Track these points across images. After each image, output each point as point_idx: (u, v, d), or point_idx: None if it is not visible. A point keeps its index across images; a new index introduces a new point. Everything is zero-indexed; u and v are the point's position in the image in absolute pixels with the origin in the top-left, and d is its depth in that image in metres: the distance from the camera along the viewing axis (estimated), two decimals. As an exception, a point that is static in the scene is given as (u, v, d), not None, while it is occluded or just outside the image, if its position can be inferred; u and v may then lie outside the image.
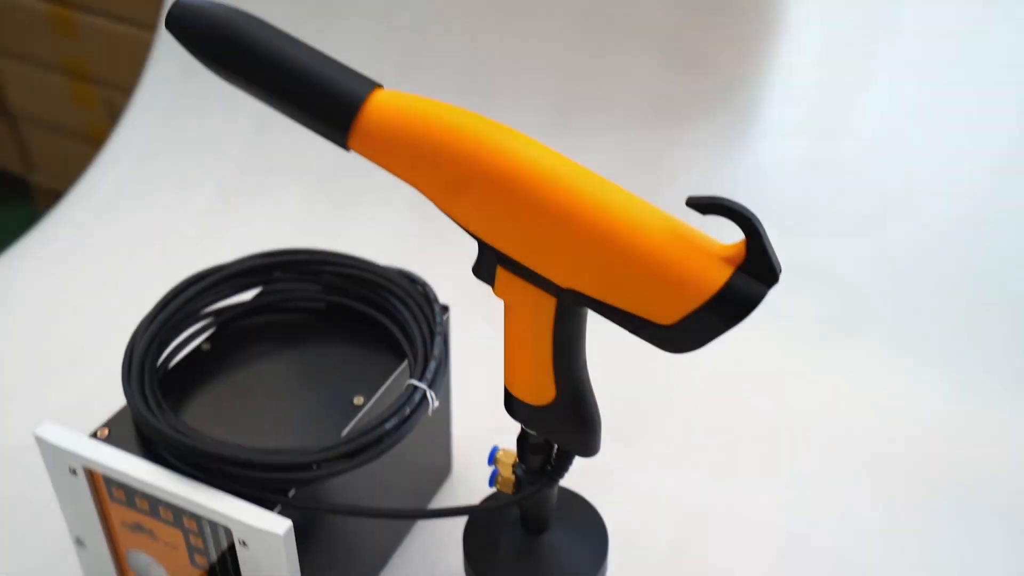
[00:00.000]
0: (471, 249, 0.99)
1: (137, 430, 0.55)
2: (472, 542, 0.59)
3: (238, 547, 0.51)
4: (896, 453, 0.79)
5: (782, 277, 0.93)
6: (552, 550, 0.58)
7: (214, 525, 0.52)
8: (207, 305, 0.62)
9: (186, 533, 0.54)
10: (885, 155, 0.97)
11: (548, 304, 0.46)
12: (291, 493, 0.52)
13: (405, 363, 0.61)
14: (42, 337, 0.88)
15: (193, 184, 1.08)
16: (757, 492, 0.75)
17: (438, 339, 0.60)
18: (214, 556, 0.54)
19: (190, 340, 0.62)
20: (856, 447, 0.79)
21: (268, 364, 0.61)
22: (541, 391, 0.50)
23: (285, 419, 0.57)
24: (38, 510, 0.71)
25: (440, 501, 0.74)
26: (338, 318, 0.65)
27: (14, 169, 1.94)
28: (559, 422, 0.51)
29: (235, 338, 0.63)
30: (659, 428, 0.81)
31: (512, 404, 0.52)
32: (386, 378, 0.60)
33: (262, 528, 0.49)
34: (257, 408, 0.58)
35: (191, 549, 0.54)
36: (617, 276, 0.43)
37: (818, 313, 0.91)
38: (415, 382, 0.57)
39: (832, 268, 0.94)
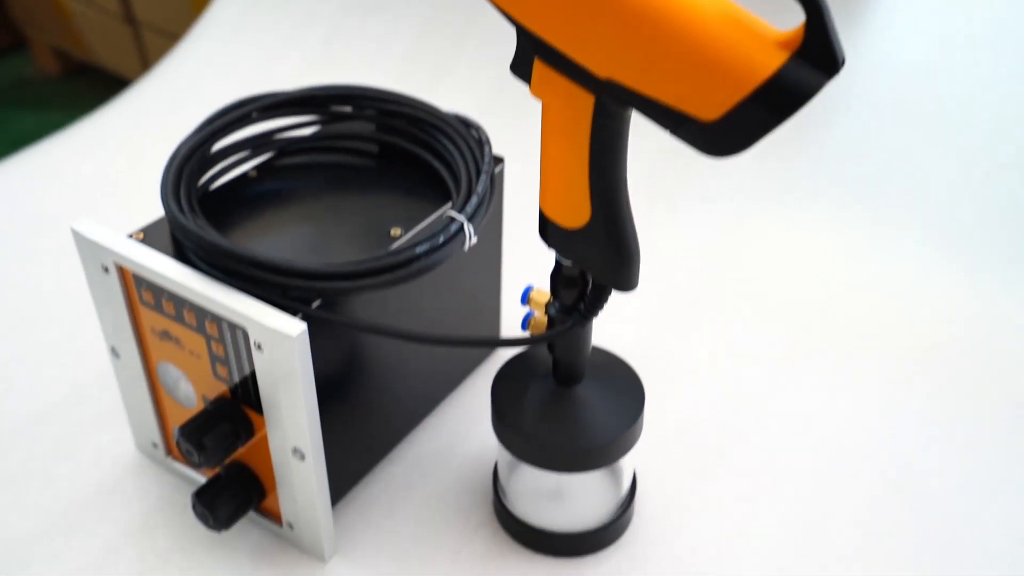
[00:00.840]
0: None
1: (172, 237, 0.55)
2: (501, 392, 0.56)
3: (254, 352, 0.50)
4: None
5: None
6: (583, 402, 0.55)
7: (233, 329, 0.51)
8: (258, 124, 0.61)
9: (208, 340, 0.53)
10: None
11: (586, 104, 0.43)
12: (315, 304, 0.51)
13: (449, 203, 0.59)
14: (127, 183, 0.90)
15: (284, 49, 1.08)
16: (807, 385, 0.70)
17: (483, 176, 0.57)
18: (234, 366, 0.53)
19: (238, 164, 0.61)
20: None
21: (311, 196, 0.60)
22: (576, 210, 0.46)
23: (319, 243, 0.55)
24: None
25: (479, 375, 0.72)
26: (389, 160, 0.63)
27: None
28: (594, 247, 0.47)
29: (283, 170, 0.62)
30: (713, 316, 0.77)
31: (546, 228, 0.49)
32: (428, 215, 0.58)
33: (276, 328, 0.48)
34: (292, 232, 0.56)
35: (213, 358, 0.54)
36: (660, 60, 0.39)
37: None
38: (453, 213, 0.54)
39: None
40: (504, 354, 0.73)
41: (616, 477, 0.59)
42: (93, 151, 0.97)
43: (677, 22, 0.38)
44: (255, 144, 0.62)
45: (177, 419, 0.60)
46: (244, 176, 0.61)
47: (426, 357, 0.64)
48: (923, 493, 0.63)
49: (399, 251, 0.52)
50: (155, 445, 0.63)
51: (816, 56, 0.37)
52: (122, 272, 0.54)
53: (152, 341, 0.57)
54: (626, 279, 0.48)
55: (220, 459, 0.54)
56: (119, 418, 0.67)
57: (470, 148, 0.59)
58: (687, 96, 0.39)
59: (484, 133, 0.61)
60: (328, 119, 0.64)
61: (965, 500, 0.63)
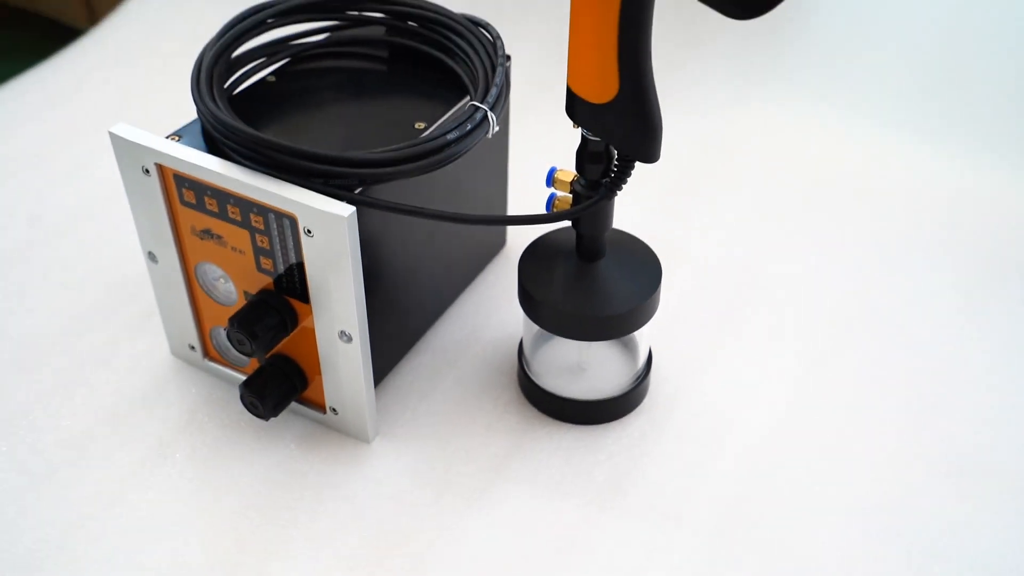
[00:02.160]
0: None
1: (206, 137, 0.57)
2: (527, 268, 0.60)
3: (303, 239, 0.53)
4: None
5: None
6: (605, 275, 0.59)
7: (280, 219, 0.54)
8: (273, 31, 0.63)
9: (253, 233, 0.55)
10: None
11: (616, -22, 0.46)
12: (358, 191, 0.54)
13: (467, 97, 0.62)
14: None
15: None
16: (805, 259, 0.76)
17: (499, 69, 0.60)
18: (279, 258, 0.55)
19: (256, 71, 0.63)
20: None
21: (332, 97, 0.62)
22: (605, 84, 0.50)
23: (349, 137, 0.58)
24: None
25: (495, 267, 0.75)
26: (404, 62, 0.66)
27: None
28: (621, 121, 0.51)
29: (301, 74, 0.64)
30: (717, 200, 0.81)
31: (574, 104, 0.52)
32: (446, 110, 0.61)
33: (328, 211, 0.51)
34: (320, 129, 0.59)
35: (257, 252, 0.56)
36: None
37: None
38: (476, 103, 0.57)
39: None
40: (520, 243, 0.76)
41: (633, 349, 0.64)
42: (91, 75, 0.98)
43: None
44: (271, 50, 0.64)
45: (215, 320, 0.63)
46: (263, 81, 0.63)
47: (448, 247, 0.68)
48: (923, 345, 0.69)
49: (432, 138, 0.55)
50: (192, 348, 0.65)
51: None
52: (163, 173, 0.56)
53: (191, 242, 0.59)
54: (651, 151, 0.52)
55: (269, 347, 0.57)
56: (152, 324, 0.69)
57: (483, 45, 0.62)
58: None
59: (495, 30, 0.63)
60: (342, 24, 0.66)
61: (963, 356, 0.69)
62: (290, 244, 0.55)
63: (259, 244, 0.56)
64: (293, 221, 0.53)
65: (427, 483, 0.59)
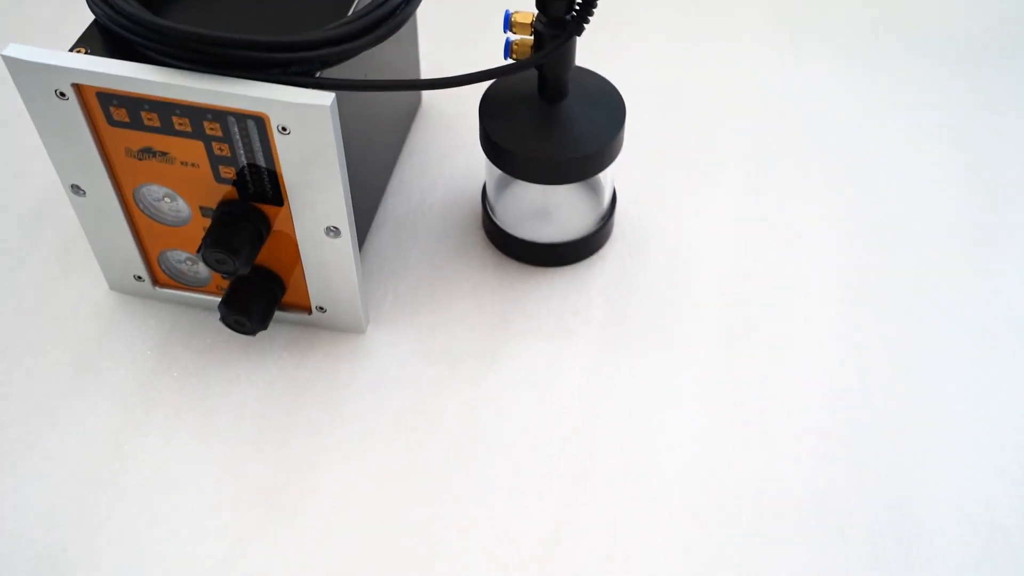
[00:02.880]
0: None
1: (117, 44, 0.49)
2: (489, 113, 0.58)
3: (277, 137, 0.48)
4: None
5: None
6: (570, 114, 0.58)
7: (243, 120, 0.48)
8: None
9: (208, 142, 0.50)
10: None
11: None
12: (318, 74, 0.49)
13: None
14: None
15: None
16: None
17: (421, -89, 0.55)
18: (243, 161, 0.50)
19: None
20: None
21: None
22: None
23: (280, 15, 0.52)
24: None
25: (417, 131, 0.72)
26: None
27: None
28: (589, -50, 0.48)
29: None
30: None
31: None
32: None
33: (307, 103, 0.46)
34: (243, 13, 0.52)
35: (214, 161, 0.51)
36: None
37: None
38: (411, -45, 0.53)
39: None
40: (436, 102, 0.73)
41: (598, 191, 0.63)
42: None
43: None
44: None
45: (162, 243, 0.57)
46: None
47: (379, 119, 0.64)
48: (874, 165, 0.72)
49: (380, 3, 0.50)
50: (139, 278, 0.59)
51: None
52: (81, 93, 0.49)
53: (127, 165, 0.52)
54: (621, -24, 0.50)
55: (252, 259, 0.53)
56: (76, 261, 0.62)
57: None
58: None
59: None
60: None
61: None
62: (257, 146, 0.50)
63: (216, 153, 0.50)
64: (261, 121, 0.48)
65: (438, 358, 0.58)
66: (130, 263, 0.58)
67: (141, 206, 0.55)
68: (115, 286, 0.61)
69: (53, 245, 0.63)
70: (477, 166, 0.69)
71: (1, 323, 0.59)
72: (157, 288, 0.60)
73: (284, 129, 0.48)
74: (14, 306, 0.60)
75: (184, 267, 0.59)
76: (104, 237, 0.57)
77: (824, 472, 0.54)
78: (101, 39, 0.50)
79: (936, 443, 0.55)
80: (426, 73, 0.72)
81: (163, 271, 0.59)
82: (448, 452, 0.54)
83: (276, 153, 0.49)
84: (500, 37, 0.61)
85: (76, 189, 0.54)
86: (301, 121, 0.47)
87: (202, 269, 0.59)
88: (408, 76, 0.68)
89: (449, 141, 0.71)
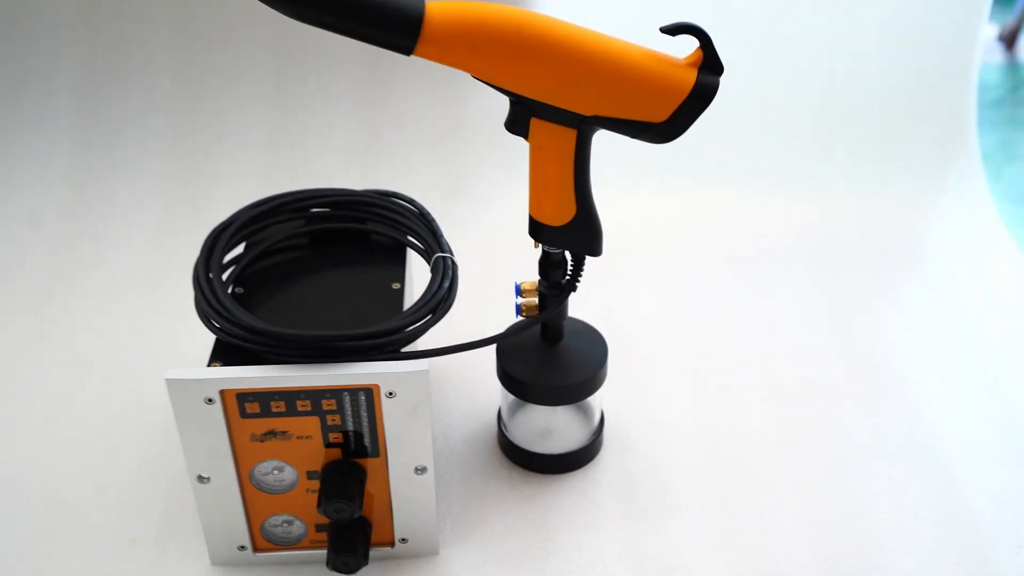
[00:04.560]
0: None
1: (241, 353, 0.64)
2: (504, 354, 0.76)
3: (384, 402, 0.63)
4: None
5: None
6: (566, 352, 0.76)
7: (354, 394, 0.63)
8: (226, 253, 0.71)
9: (323, 416, 0.64)
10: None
11: (570, 137, 0.64)
12: (403, 349, 0.65)
13: (407, 250, 0.75)
14: None
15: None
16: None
17: (434, 223, 0.74)
18: (351, 426, 0.65)
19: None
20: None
21: (303, 287, 0.71)
22: (564, 211, 0.68)
23: (350, 313, 0.69)
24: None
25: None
26: (326, 243, 0.76)
27: None
28: (578, 234, 0.69)
29: (256, 280, 0.72)
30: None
31: (539, 230, 0.69)
32: (401, 266, 0.73)
33: (409, 371, 0.62)
34: (320, 315, 0.68)
35: (326, 430, 0.65)
36: (624, 94, 0.62)
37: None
38: (440, 254, 0.71)
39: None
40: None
41: (589, 410, 0.81)
42: None
43: (636, 68, 0.62)
44: (226, 266, 0.71)
45: (266, 511, 0.69)
46: (234, 294, 0.70)
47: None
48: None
49: (435, 293, 0.68)
50: (242, 548, 0.70)
51: (712, 67, 0.63)
52: (224, 397, 0.62)
53: (248, 448, 0.65)
54: (599, 248, 0.71)
55: (362, 503, 0.66)
56: (177, 544, 0.72)
57: (403, 207, 0.76)
58: (647, 111, 0.63)
59: (403, 196, 0.77)
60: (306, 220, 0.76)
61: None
62: (363, 412, 0.64)
63: (329, 423, 0.65)
64: (370, 391, 0.63)
65: (502, 559, 0.72)
66: (236, 535, 0.69)
67: (253, 481, 0.67)
68: (217, 560, 0.71)
69: (153, 529, 0.73)
70: (487, 400, 0.85)
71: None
72: (256, 554, 0.71)
73: (391, 394, 0.63)
74: (129, 596, 0.69)
75: (279, 530, 0.70)
76: (216, 516, 0.68)
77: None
78: (224, 350, 0.64)
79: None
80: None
81: (263, 537, 0.70)
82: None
83: (380, 414, 0.64)
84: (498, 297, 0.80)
85: (201, 479, 0.66)
86: (405, 385, 0.63)
87: (295, 529, 0.70)
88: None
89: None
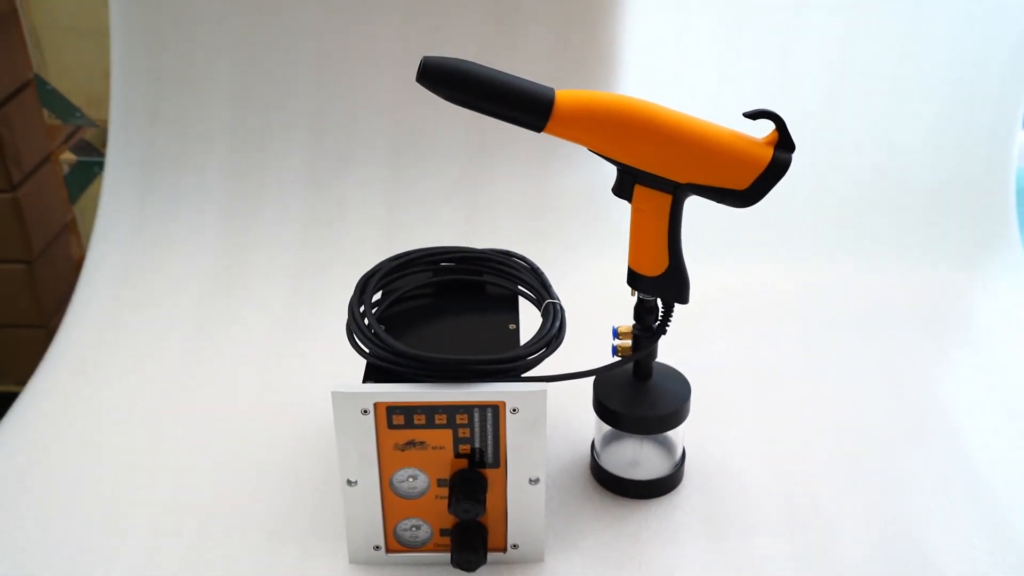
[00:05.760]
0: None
1: (388, 374, 0.76)
2: (599, 387, 0.87)
3: (508, 417, 0.75)
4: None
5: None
6: (655, 387, 0.88)
7: (483, 410, 0.75)
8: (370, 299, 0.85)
9: (455, 429, 0.76)
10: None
11: (666, 201, 0.78)
12: (522, 375, 0.77)
13: (519, 298, 0.88)
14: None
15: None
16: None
17: (544, 275, 0.88)
18: (477, 439, 0.77)
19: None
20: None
21: (432, 326, 0.84)
22: (659, 264, 0.80)
23: (479, 347, 0.81)
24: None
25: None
26: (450, 293, 0.90)
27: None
28: (670, 283, 0.81)
29: (393, 320, 0.85)
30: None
31: (637, 280, 0.82)
32: (516, 312, 0.86)
33: (532, 391, 0.74)
34: (455, 348, 0.81)
35: (457, 442, 0.77)
36: (713, 165, 0.75)
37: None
38: (551, 300, 0.84)
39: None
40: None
41: (672, 444, 0.92)
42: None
43: (722, 144, 0.75)
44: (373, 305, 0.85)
45: (399, 514, 0.80)
46: (374, 333, 0.83)
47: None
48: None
49: (548, 330, 0.80)
50: (377, 547, 0.81)
51: (786, 146, 0.76)
52: (376, 409, 0.75)
53: (391, 456, 0.77)
54: (686, 296, 0.83)
55: (484, 506, 0.77)
56: (320, 545, 0.83)
57: (518, 263, 0.89)
58: (731, 180, 0.76)
59: (517, 253, 0.91)
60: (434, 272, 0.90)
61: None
62: (489, 426, 0.76)
63: (460, 436, 0.77)
64: (496, 408, 0.75)
65: (603, 566, 0.82)
66: (373, 536, 0.81)
67: (392, 487, 0.79)
68: (355, 559, 0.82)
69: (298, 531, 0.85)
70: (581, 435, 0.96)
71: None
72: (388, 555, 0.82)
73: (515, 410, 0.75)
74: (281, 587, 0.80)
75: (408, 534, 0.82)
76: (360, 517, 0.80)
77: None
78: (373, 372, 0.77)
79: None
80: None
81: (395, 539, 0.82)
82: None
83: (504, 429, 0.76)
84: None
85: (350, 482, 0.78)
86: (527, 403, 0.75)
87: (422, 533, 0.82)
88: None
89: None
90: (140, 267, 1.23)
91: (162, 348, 1.12)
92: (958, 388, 1.06)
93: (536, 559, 0.83)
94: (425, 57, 0.71)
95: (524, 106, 0.73)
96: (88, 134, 1.45)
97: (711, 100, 1.29)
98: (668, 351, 0.93)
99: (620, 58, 1.26)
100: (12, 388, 1.49)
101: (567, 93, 0.74)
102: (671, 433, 0.89)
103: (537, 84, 0.74)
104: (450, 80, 0.71)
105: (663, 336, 0.86)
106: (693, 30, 1.29)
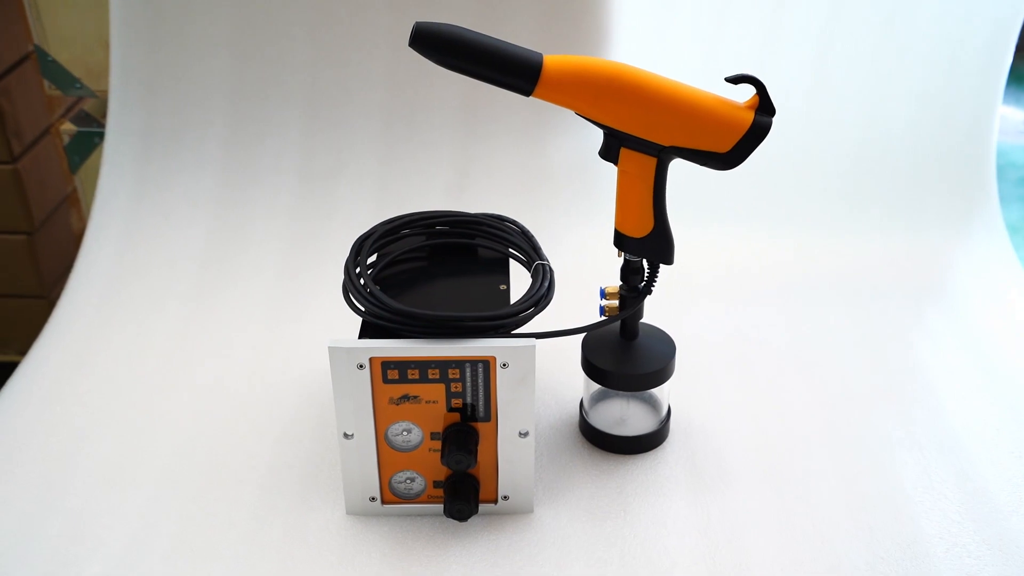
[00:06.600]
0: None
1: (383, 331, 0.79)
2: (588, 346, 0.90)
3: (499, 371, 0.78)
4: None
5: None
6: (640, 346, 0.91)
7: (474, 365, 0.78)
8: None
9: (448, 383, 0.79)
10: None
11: (651, 163, 0.80)
12: (512, 332, 0.80)
13: (510, 261, 0.91)
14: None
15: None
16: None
17: (534, 238, 0.90)
18: (469, 393, 0.80)
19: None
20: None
21: (425, 287, 0.87)
22: (644, 225, 0.83)
23: (471, 305, 0.84)
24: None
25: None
26: (442, 255, 0.92)
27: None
28: (655, 244, 0.84)
29: (387, 281, 0.88)
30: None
31: (622, 240, 0.85)
32: (507, 273, 0.89)
33: (521, 346, 0.77)
34: (448, 306, 0.84)
35: (450, 396, 0.80)
36: (696, 128, 0.78)
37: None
38: (541, 262, 0.87)
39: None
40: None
41: (658, 402, 0.95)
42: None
43: (705, 108, 0.78)
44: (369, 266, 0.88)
45: (393, 467, 0.83)
46: (370, 292, 0.86)
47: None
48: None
49: (538, 289, 0.83)
50: (373, 499, 0.85)
51: (766, 110, 0.79)
52: (372, 364, 0.78)
53: (386, 410, 0.80)
54: (671, 257, 0.86)
55: (476, 458, 0.80)
56: (318, 495, 0.87)
57: (509, 226, 0.92)
58: (713, 142, 0.79)
59: (508, 218, 0.93)
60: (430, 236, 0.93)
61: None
62: (480, 381, 0.79)
63: (452, 390, 0.80)
64: (487, 363, 0.78)
65: (590, 515, 0.86)
66: (369, 487, 0.84)
67: (387, 440, 0.82)
68: (352, 510, 0.86)
69: (296, 484, 0.88)
70: (569, 394, 0.99)
71: (270, 540, 0.82)
72: (384, 506, 0.85)
73: (505, 365, 0.78)
74: (273, 540, 0.84)
75: (402, 486, 0.85)
76: (356, 469, 0.83)
77: None
78: (369, 329, 0.80)
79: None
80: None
81: (390, 491, 0.85)
82: None
83: (494, 383, 0.79)
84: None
85: (347, 435, 0.81)
86: (517, 358, 0.78)
87: (415, 485, 0.85)
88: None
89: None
90: (141, 235, 1.26)
91: (162, 315, 1.14)
92: (936, 351, 1.09)
93: (526, 510, 0.86)
94: (417, 22, 0.74)
95: (513, 70, 0.75)
96: (88, 105, 1.47)
97: (697, 74, 1.32)
98: (654, 315, 0.96)
99: (609, 30, 1.28)
100: (13, 358, 1.52)
101: (555, 58, 0.76)
102: (657, 391, 0.93)
103: (526, 49, 0.76)
104: (441, 44, 0.74)
105: (649, 296, 0.89)
106: (681, 4, 1.31)
